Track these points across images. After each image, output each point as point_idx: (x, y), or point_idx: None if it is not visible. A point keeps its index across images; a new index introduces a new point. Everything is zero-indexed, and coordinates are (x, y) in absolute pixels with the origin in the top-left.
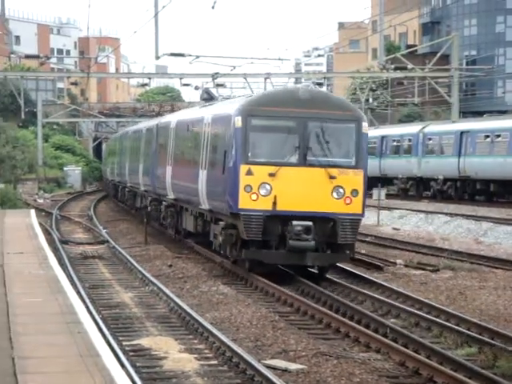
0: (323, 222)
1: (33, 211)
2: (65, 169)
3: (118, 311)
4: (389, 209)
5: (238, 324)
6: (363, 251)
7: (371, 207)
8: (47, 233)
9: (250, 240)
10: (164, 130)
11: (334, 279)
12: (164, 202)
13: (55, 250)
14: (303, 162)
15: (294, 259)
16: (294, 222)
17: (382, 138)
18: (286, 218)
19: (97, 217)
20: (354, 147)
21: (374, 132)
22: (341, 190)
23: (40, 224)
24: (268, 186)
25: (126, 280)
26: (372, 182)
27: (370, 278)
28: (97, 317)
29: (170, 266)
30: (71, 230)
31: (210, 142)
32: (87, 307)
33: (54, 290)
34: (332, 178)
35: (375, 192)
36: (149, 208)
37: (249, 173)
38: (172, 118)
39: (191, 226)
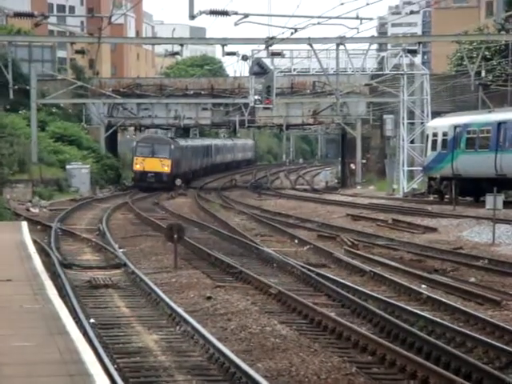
0: (158, 174)
1: (25, 224)
2: (68, 167)
3: (139, 359)
4: (508, 222)
5: (301, 378)
6: (473, 279)
7: (483, 219)
8: (44, 253)
9: (137, 179)
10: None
11: (432, 318)
12: None
13: (55, 277)
14: (153, 156)
15: (150, 185)
16: (149, 174)
17: (499, 124)
18: (147, 172)
19: (110, 232)
20: (168, 152)
21: (486, 117)
22: (164, 165)
23: (34, 241)
24: (142, 163)
25: (150, 317)
26: (483, 186)
27: (483, 316)
28: (110, 367)
29: (209, 298)
30: (76, 249)
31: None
32: (98, 354)
33: (53, 331)
34: (161, 161)
35: (489, 199)
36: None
37: (137, 159)
38: None
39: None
